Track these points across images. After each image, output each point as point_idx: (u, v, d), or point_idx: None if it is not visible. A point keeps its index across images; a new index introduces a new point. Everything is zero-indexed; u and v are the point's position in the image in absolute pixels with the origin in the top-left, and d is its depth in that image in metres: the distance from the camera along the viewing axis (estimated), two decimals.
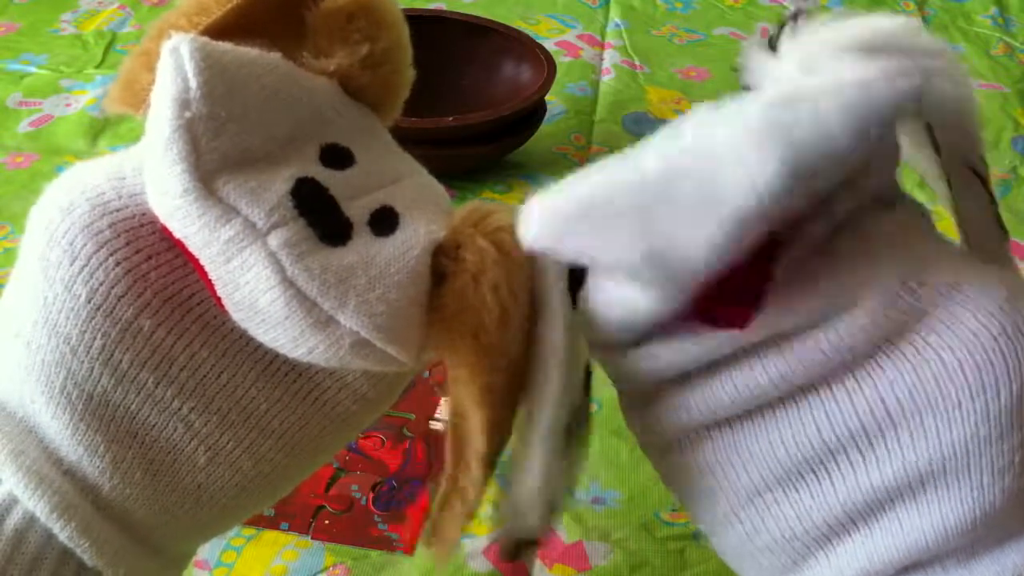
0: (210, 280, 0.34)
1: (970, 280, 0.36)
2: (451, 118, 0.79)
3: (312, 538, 0.56)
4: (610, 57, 1.02)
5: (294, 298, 0.33)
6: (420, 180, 0.40)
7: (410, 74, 0.41)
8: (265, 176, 0.34)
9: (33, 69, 0.97)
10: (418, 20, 0.91)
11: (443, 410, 0.64)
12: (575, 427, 0.40)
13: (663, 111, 0.95)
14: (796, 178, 0.32)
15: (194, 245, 0.33)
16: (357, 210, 0.35)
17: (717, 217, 0.32)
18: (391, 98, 0.40)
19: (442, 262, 0.36)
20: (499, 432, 0.38)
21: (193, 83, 0.32)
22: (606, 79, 0.99)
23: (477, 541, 0.56)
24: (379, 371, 0.37)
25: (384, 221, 0.36)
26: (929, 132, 0.37)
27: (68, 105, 0.92)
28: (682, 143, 0.33)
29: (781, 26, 0.37)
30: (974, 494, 0.35)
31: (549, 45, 0.96)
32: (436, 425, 0.63)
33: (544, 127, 0.87)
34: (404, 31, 0.40)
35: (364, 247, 0.34)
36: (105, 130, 0.88)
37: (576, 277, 0.38)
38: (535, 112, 0.86)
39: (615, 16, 1.09)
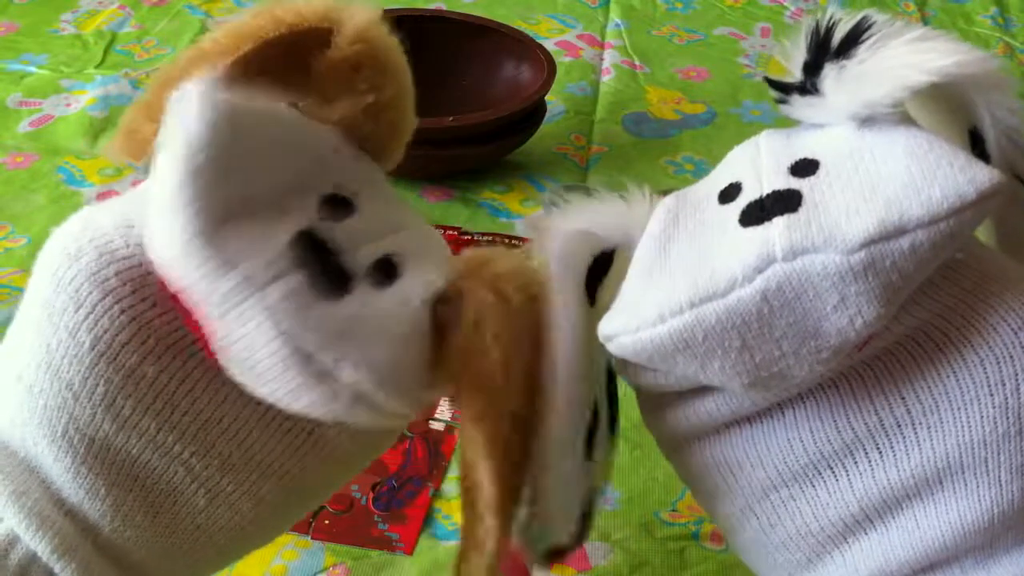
0: (205, 334, 0.34)
1: (993, 275, 0.36)
2: (451, 118, 0.79)
3: (312, 538, 0.56)
4: (610, 57, 1.02)
5: (292, 353, 0.32)
6: (419, 230, 0.40)
7: (413, 119, 0.41)
8: (266, 227, 0.33)
9: (33, 69, 0.97)
10: (418, 20, 0.91)
11: (443, 410, 0.64)
12: (596, 430, 0.40)
13: (663, 111, 0.95)
14: (892, 305, 0.33)
15: (193, 296, 0.33)
16: (357, 261, 0.35)
17: (820, 349, 0.33)
18: (394, 144, 0.40)
19: (442, 312, 0.36)
20: (511, 478, 0.37)
21: (202, 131, 0.32)
22: (606, 79, 0.99)
23: None
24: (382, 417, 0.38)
25: (384, 272, 0.35)
26: (978, 142, 0.37)
27: (68, 105, 0.92)
28: (776, 272, 0.33)
29: (821, 51, 0.37)
30: (992, 492, 0.35)
31: (549, 45, 0.96)
32: (436, 425, 0.63)
33: (544, 127, 0.87)
34: (408, 77, 0.40)
35: (364, 299, 0.34)
36: (105, 130, 0.88)
37: (595, 273, 0.39)
38: (535, 112, 0.86)
39: (615, 16, 1.09)
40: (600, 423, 0.41)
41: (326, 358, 0.32)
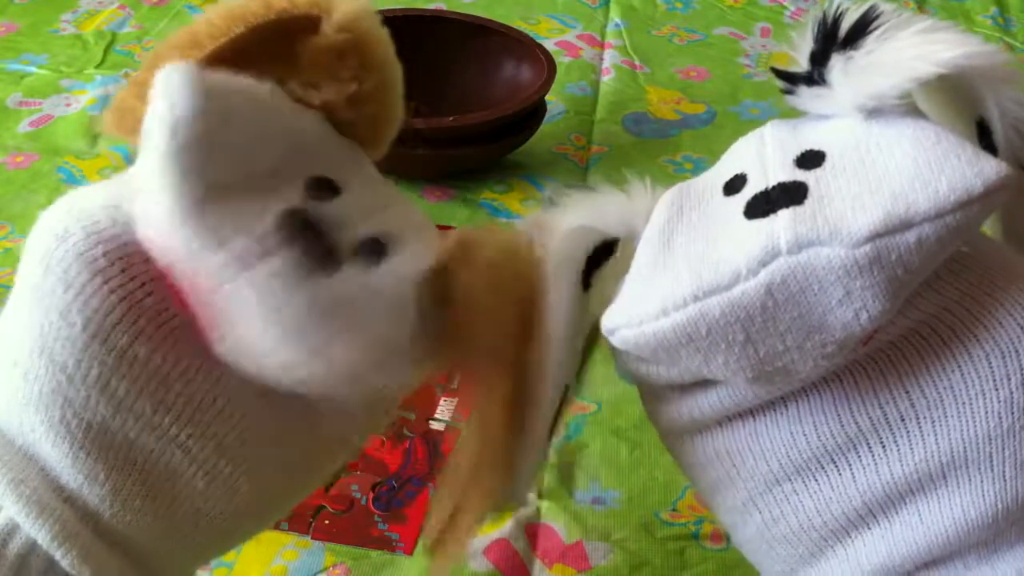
0: (194, 312, 0.34)
1: (999, 269, 0.36)
2: (451, 118, 0.79)
3: (312, 538, 0.56)
4: (610, 57, 1.02)
5: (283, 329, 0.32)
6: (406, 209, 0.40)
7: (398, 112, 0.41)
8: (255, 206, 0.33)
9: (33, 69, 0.97)
10: (418, 20, 0.91)
11: (443, 410, 0.64)
12: (561, 410, 0.41)
13: (663, 111, 0.95)
14: (898, 300, 0.33)
15: (183, 273, 0.33)
16: (346, 240, 0.35)
17: (824, 343, 0.33)
18: (376, 136, 0.40)
19: (430, 290, 0.36)
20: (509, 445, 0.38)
21: (185, 111, 0.32)
22: (606, 79, 0.99)
23: (477, 541, 0.56)
24: (372, 393, 0.38)
25: (373, 250, 0.36)
26: (985, 134, 0.37)
27: (68, 105, 0.92)
28: (781, 266, 0.33)
29: (828, 41, 0.37)
30: (996, 487, 0.35)
31: (549, 45, 0.96)
32: (436, 425, 0.63)
33: (544, 127, 0.87)
34: (395, 71, 0.40)
35: (353, 277, 0.34)
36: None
37: (593, 261, 0.39)
38: (535, 112, 0.86)
39: (615, 16, 1.09)
40: (566, 404, 0.41)
41: (317, 335, 0.33)
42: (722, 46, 1.05)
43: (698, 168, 0.87)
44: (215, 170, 0.33)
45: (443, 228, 0.77)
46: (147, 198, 0.33)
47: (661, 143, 0.91)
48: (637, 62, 1.02)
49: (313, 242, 0.34)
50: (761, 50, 1.05)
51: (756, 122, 0.39)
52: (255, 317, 0.32)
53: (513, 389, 0.37)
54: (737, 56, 1.04)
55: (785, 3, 1.13)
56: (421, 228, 0.39)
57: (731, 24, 1.09)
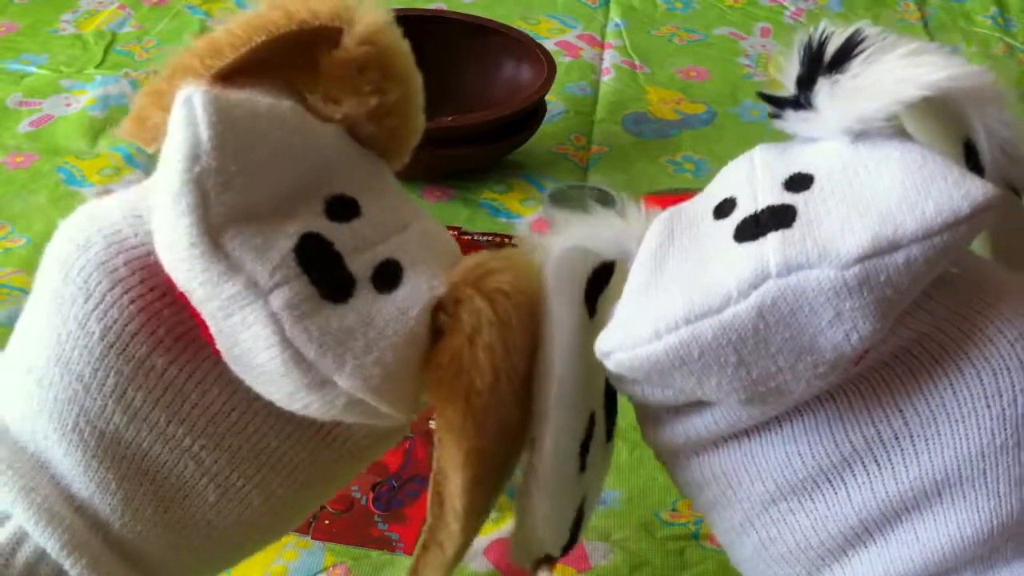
0: (209, 331, 0.34)
1: (989, 286, 0.36)
2: (451, 118, 0.79)
3: (312, 538, 0.56)
4: (610, 57, 1.02)
5: (292, 359, 0.33)
6: (425, 226, 0.40)
7: (420, 123, 0.41)
8: (271, 231, 0.33)
9: (33, 69, 0.97)
10: (418, 20, 0.91)
11: None
12: (591, 439, 0.40)
13: (663, 111, 0.95)
14: (887, 320, 0.33)
15: (196, 299, 0.33)
16: (361, 264, 0.35)
17: (816, 364, 0.33)
18: (398, 147, 0.40)
19: (440, 319, 0.36)
20: (484, 491, 0.37)
21: (204, 136, 0.32)
22: (606, 79, 0.99)
23: (477, 541, 0.56)
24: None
25: (387, 276, 0.36)
26: (972, 154, 0.37)
27: (68, 105, 0.92)
28: (771, 288, 0.33)
29: (814, 65, 0.37)
30: (991, 503, 0.35)
31: (549, 45, 0.96)
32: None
33: (544, 127, 0.87)
34: (416, 82, 0.40)
35: (365, 305, 0.34)
36: (105, 130, 0.88)
37: (594, 284, 0.38)
38: (535, 112, 0.86)
39: (615, 16, 1.09)
40: (596, 433, 0.40)
41: (324, 366, 0.33)
42: (722, 46, 1.05)
43: (698, 168, 0.87)
44: (232, 198, 0.32)
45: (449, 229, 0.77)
46: (163, 223, 0.33)
47: (661, 143, 0.91)
48: (637, 62, 1.02)
49: (327, 269, 0.34)
50: (761, 50, 1.05)
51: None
52: (263, 346, 0.33)
53: (481, 452, 0.36)
54: (737, 56, 1.04)
55: (785, 3, 1.13)
56: (438, 247, 0.39)
57: (731, 24, 1.09)
